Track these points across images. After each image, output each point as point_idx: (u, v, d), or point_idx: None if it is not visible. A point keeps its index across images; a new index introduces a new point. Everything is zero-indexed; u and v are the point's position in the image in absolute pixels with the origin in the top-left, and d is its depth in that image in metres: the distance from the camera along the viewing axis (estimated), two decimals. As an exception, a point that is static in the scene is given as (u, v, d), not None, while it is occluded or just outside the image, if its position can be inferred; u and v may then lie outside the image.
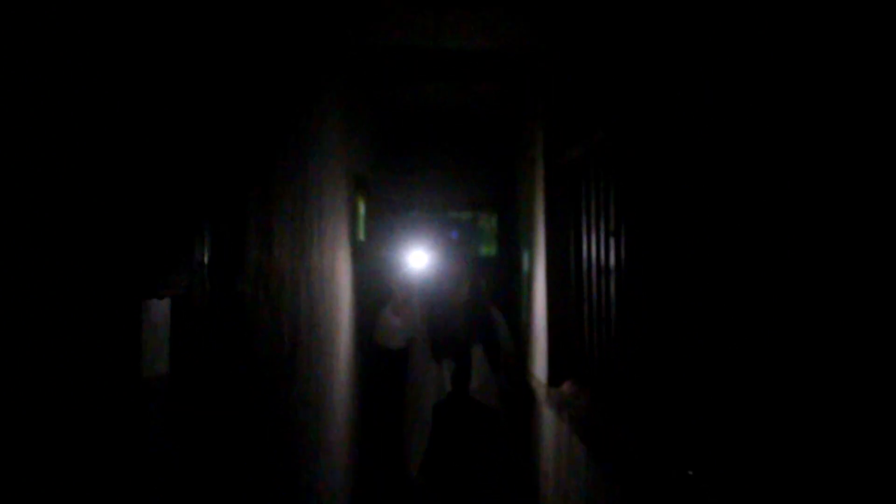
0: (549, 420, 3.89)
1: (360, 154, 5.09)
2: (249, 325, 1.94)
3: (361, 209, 5.51)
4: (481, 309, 5.07)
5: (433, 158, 6.30)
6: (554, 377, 3.83)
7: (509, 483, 4.89)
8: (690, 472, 1.92)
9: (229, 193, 1.75)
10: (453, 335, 4.94)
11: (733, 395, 1.73)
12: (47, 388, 0.92)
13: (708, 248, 1.89)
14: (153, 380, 1.26)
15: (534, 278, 4.65)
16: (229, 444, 1.75)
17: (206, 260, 1.54)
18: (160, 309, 1.31)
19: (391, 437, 5.04)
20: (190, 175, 1.48)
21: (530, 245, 4.86)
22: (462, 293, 5.07)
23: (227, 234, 1.72)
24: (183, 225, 1.40)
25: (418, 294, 5.09)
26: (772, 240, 1.53)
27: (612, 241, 2.83)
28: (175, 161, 1.40)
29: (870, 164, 1.22)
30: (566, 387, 3.61)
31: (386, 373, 5.30)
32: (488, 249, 6.52)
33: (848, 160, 1.27)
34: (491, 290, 6.02)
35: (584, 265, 3.37)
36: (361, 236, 5.39)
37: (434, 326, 4.94)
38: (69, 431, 0.98)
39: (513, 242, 5.91)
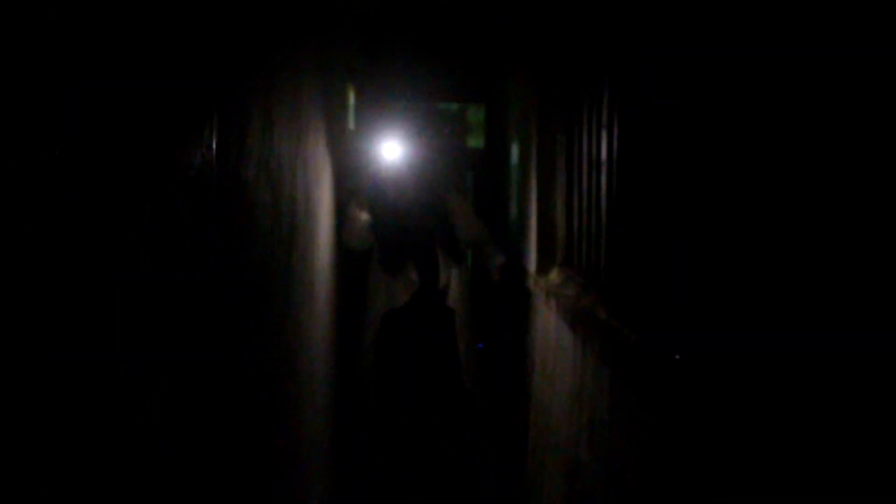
0: (538, 309, 4.00)
1: (350, 43, 5.02)
2: (252, 207, 1.99)
3: (351, 99, 5.49)
4: (435, 206, 4.89)
5: (424, 49, 6.22)
6: (542, 266, 3.93)
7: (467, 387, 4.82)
8: (677, 357, 2.02)
9: (235, 79, 1.77)
10: (404, 241, 4.81)
11: (723, 280, 1.82)
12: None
13: (692, 133, 1.94)
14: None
15: (524, 171, 4.69)
16: (238, 313, 1.83)
17: (213, 144, 1.57)
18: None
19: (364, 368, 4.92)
20: (199, 57, 1.50)
21: (521, 137, 4.88)
22: (408, 193, 4.88)
23: (233, 119, 1.75)
24: (195, 107, 1.43)
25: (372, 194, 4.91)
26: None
27: (604, 134, 2.87)
28: (186, 43, 1.42)
29: None
30: (554, 275, 3.71)
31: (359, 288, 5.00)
32: (476, 142, 6.52)
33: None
34: (480, 183, 5.98)
35: (576, 157, 3.42)
36: (351, 125, 5.39)
37: (380, 235, 4.78)
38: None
39: (502, 135, 5.92)
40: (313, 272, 3.29)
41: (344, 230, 4.56)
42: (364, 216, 4.72)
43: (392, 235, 4.75)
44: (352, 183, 4.92)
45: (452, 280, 4.81)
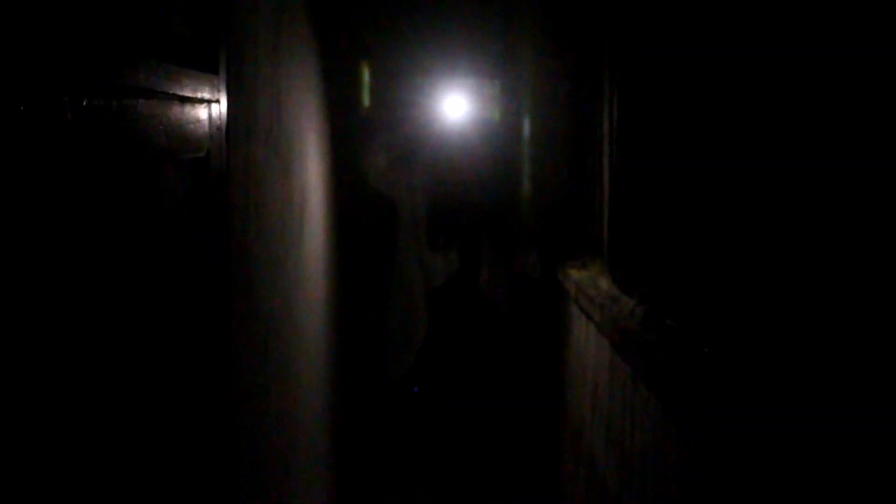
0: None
1: (364, 19, 5.05)
2: (262, 186, 2.08)
3: (366, 76, 5.55)
4: (502, 187, 4.63)
5: (438, 25, 6.24)
6: (553, 240, 4.00)
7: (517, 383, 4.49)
8: (672, 324, 2.09)
9: (243, 56, 1.86)
10: (459, 217, 4.67)
11: (718, 248, 1.89)
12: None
13: (692, 103, 2.01)
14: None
15: (536, 144, 4.74)
16: (253, 295, 1.93)
17: (223, 124, 1.67)
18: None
19: (371, 340, 4.72)
20: (207, 39, 1.59)
21: (532, 112, 4.93)
22: (484, 166, 4.73)
23: (242, 98, 1.84)
24: (202, 88, 1.52)
25: (419, 160, 4.81)
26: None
27: (605, 107, 2.93)
28: (193, 33, 1.51)
29: None
30: (564, 248, 3.78)
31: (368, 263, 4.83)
32: (492, 116, 6.53)
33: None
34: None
35: (583, 131, 3.48)
36: (366, 102, 5.46)
37: (437, 206, 4.64)
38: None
39: (515, 109, 5.95)
40: (318, 251, 3.38)
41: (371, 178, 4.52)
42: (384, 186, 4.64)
43: (441, 209, 4.63)
44: (372, 154, 4.92)
45: (499, 277, 4.59)
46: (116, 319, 1.12)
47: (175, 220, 1.42)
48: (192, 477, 1.49)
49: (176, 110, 1.38)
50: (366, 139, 5.13)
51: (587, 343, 2.89)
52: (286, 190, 2.41)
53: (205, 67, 1.57)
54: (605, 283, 2.74)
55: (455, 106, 6.08)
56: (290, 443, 2.49)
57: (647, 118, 2.37)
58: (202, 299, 1.56)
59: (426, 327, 4.64)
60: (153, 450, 1.28)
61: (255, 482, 1.99)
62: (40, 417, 0.89)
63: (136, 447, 1.20)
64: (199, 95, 1.50)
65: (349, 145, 4.59)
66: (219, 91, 1.64)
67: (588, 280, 2.97)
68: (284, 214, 2.38)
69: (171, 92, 1.33)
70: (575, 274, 3.18)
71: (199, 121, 1.52)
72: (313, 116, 3.06)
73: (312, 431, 2.91)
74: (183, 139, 1.43)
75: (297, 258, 2.61)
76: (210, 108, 1.59)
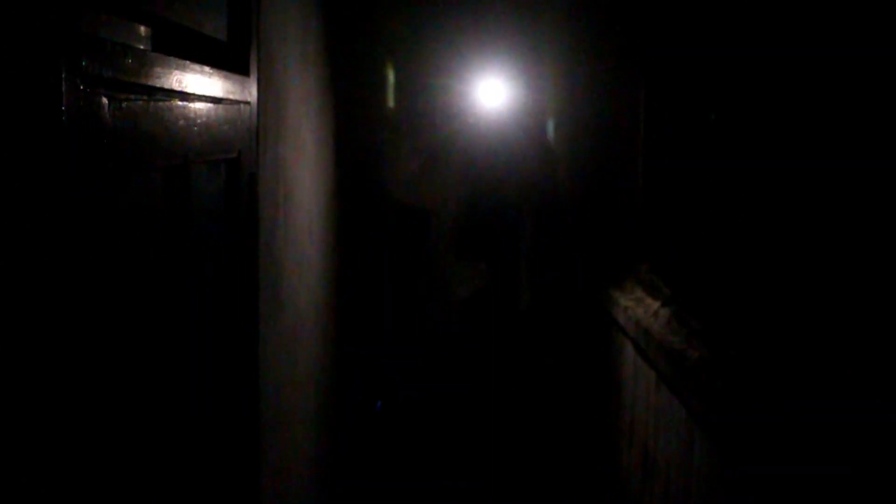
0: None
1: (392, 24, 5.06)
2: (290, 188, 2.11)
3: (391, 77, 5.56)
4: (550, 197, 4.38)
5: (463, 25, 6.24)
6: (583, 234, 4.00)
7: None
8: (732, 353, 2.07)
9: (274, 59, 1.88)
10: (490, 225, 4.62)
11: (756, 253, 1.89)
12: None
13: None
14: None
15: (558, 143, 4.74)
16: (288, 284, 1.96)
17: (253, 125, 1.69)
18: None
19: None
20: (240, 42, 1.62)
21: (557, 112, 4.94)
22: (516, 170, 4.47)
23: (272, 100, 1.87)
24: (234, 89, 1.55)
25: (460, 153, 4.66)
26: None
27: (637, 109, 2.93)
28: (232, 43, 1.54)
29: None
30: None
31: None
32: (526, 120, 6.52)
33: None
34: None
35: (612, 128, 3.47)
36: (391, 103, 5.47)
37: (468, 209, 4.41)
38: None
39: (539, 109, 5.95)
40: (329, 254, 3.40)
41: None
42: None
43: (476, 215, 4.51)
44: (399, 157, 4.87)
45: (530, 290, 4.42)
46: (136, 316, 1.15)
47: (206, 221, 1.44)
48: (220, 457, 1.53)
49: (209, 111, 1.41)
50: (386, 138, 5.12)
51: (611, 344, 2.90)
52: (312, 191, 2.44)
53: (237, 69, 1.60)
54: (630, 285, 2.74)
55: (484, 106, 6.07)
56: (300, 439, 2.52)
57: (668, 117, 2.38)
58: (229, 299, 1.59)
59: (444, 338, 4.58)
60: (181, 430, 1.31)
61: (276, 473, 2.03)
62: (115, 383, 0.92)
63: (168, 428, 1.23)
64: (230, 97, 1.52)
65: (366, 142, 4.59)
66: (250, 93, 1.67)
67: (614, 283, 2.97)
68: (311, 216, 2.41)
69: (204, 94, 1.36)
70: (609, 285, 3.18)
71: (230, 122, 1.54)
72: (331, 115, 3.08)
73: (314, 430, 2.94)
74: (215, 140, 1.46)
75: (322, 259, 2.64)
76: (241, 110, 1.61)
